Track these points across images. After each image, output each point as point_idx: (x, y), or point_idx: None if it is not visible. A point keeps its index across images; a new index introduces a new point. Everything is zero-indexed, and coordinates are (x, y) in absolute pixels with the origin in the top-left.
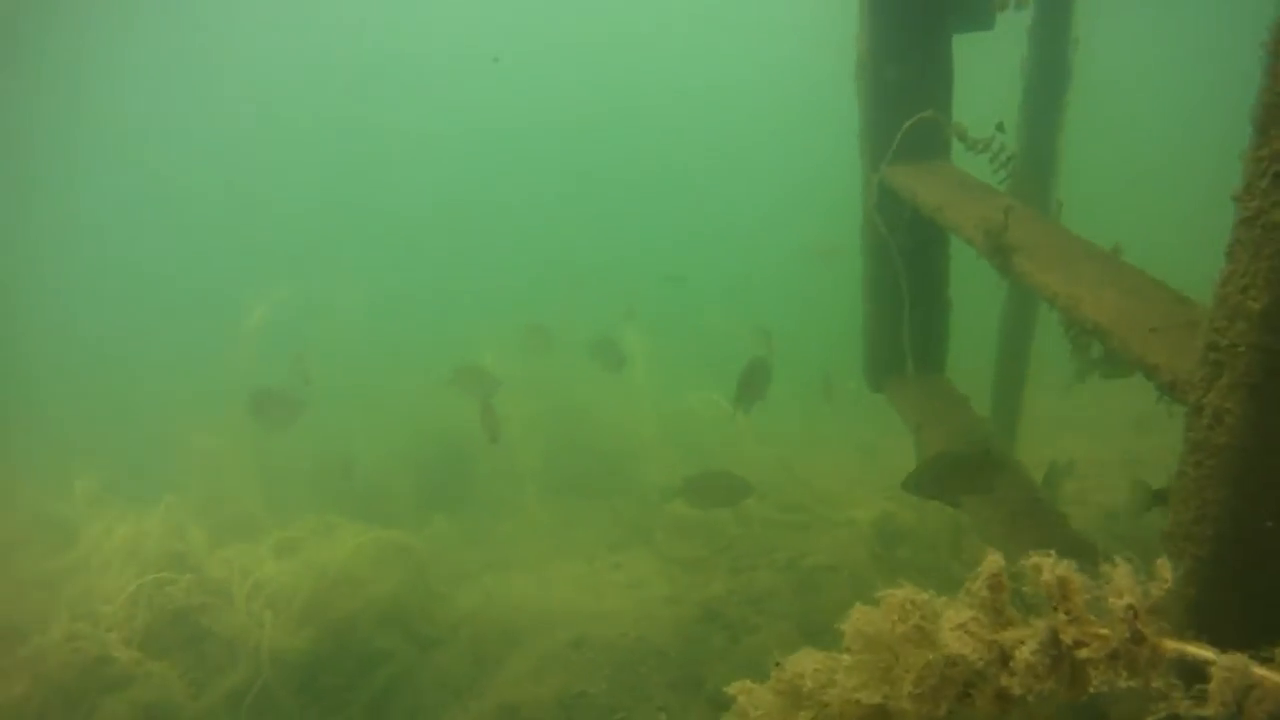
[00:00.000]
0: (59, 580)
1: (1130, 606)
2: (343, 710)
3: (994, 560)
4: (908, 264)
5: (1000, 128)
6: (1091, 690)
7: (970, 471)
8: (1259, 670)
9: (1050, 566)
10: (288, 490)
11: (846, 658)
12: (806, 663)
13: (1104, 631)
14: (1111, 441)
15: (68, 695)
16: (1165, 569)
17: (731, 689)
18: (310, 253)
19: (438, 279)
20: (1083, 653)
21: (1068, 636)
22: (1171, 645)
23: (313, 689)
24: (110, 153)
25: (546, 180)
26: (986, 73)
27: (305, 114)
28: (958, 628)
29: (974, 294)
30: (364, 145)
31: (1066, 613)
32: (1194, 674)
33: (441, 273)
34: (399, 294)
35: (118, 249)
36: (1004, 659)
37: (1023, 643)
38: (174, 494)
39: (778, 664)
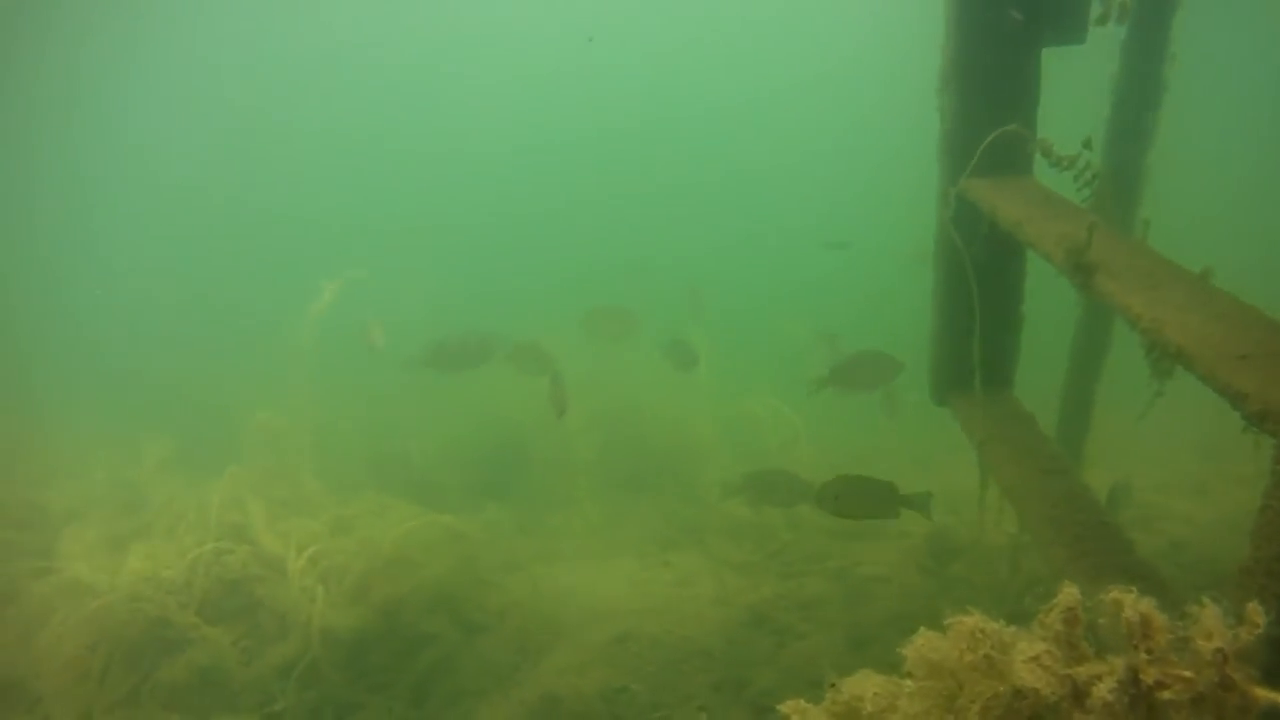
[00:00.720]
0: (126, 542)
1: (1220, 650)
2: (387, 689)
3: (1070, 593)
4: (981, 278)
5: (1087, 145)
6: None
7: (874, 499)
8: None
9: (1132, 603)
10: (345, 470)
11: (909, 683)
12: (866, 686)
13: (1188, 674)
14: (1179, 467)
15: (130, 651)
16: (1257, 613)
17: (784, 708)
18: (373, 247)
19: (500, 274)
20: (1164, 694)
21: (1148, 677)
22: (1263, 694)
23: (359, 666)
24: (177, 144)
25: (613, 181)
26: (1069, 87)
27: (364, 113)
28: (1030, 660)
29: (1047, 310)
30: (423, 141)
31: (1148, 652)
32: None
33: (504, 268)
34: (463, 287)
35: (187, 236)
36: (1078, 695)
37: (1100, 679)
38: (236, 467)
39: (833, 685)
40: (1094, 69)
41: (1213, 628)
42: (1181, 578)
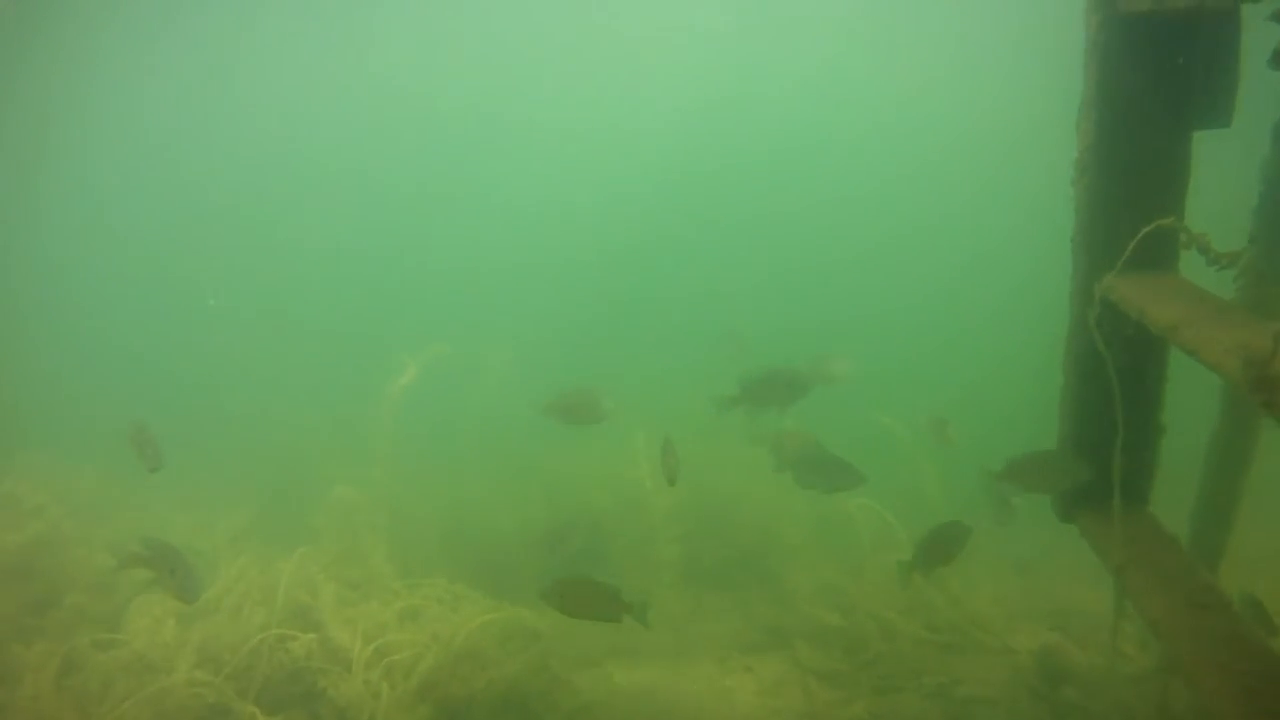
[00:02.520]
0: (191, 618)
1: None
2: None
3: None
4: (1122, 384)
5: (1254, 240)
6: None
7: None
8: None
9: None
10: (419, 551)
11: None
12: None
13: None
14: None
15: None
16: None
17: None
18: (460, 311)
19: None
20: None
21: None
22: None
23: None
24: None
25: (704, 249)
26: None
27: (441, 175)
28: None
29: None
30: (506, 201)
31: None
32: None
33: (589, 335)
34: (550, 356)
35: (273, 302)
36: None
37: None
38: (308, 547)
39: None
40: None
41: None
42: None
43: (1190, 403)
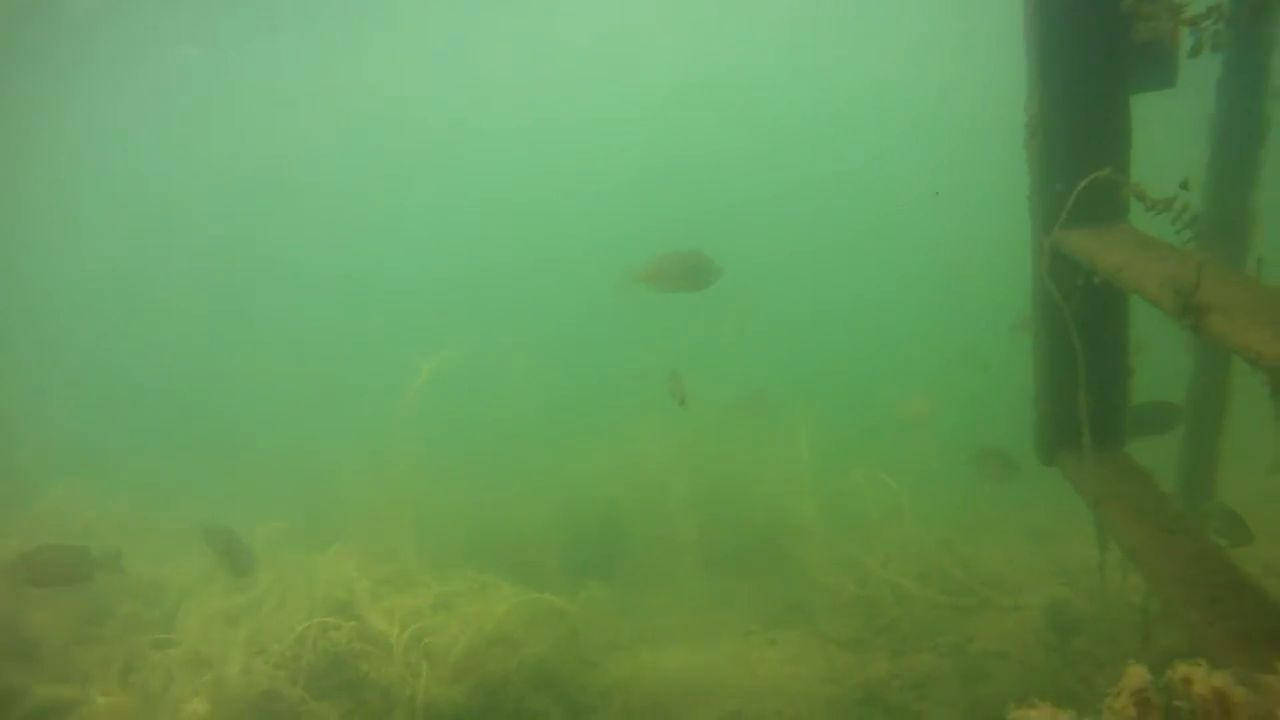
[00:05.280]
0: (239, 617)
1: None
2: None
3: (1137, 673)
4: (1083, 331)
5: (1185, 186)
6: None
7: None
8: None
9: (1203, 679)
10: (446, 547)
11: None
12: None
13: None
14: None
15: None
16: None
17: None
18: (472, 314)
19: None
20: None
21: None
22: None
23: None
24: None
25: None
26: (1165, 128)
27: (464, 185)
28: None
29: (1162, 362)
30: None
31: None
32: None
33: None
34: (561, 354)
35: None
36: None
37: None
38: (341, 545)
39: None
40: (1190, 111)
41: None
42: None
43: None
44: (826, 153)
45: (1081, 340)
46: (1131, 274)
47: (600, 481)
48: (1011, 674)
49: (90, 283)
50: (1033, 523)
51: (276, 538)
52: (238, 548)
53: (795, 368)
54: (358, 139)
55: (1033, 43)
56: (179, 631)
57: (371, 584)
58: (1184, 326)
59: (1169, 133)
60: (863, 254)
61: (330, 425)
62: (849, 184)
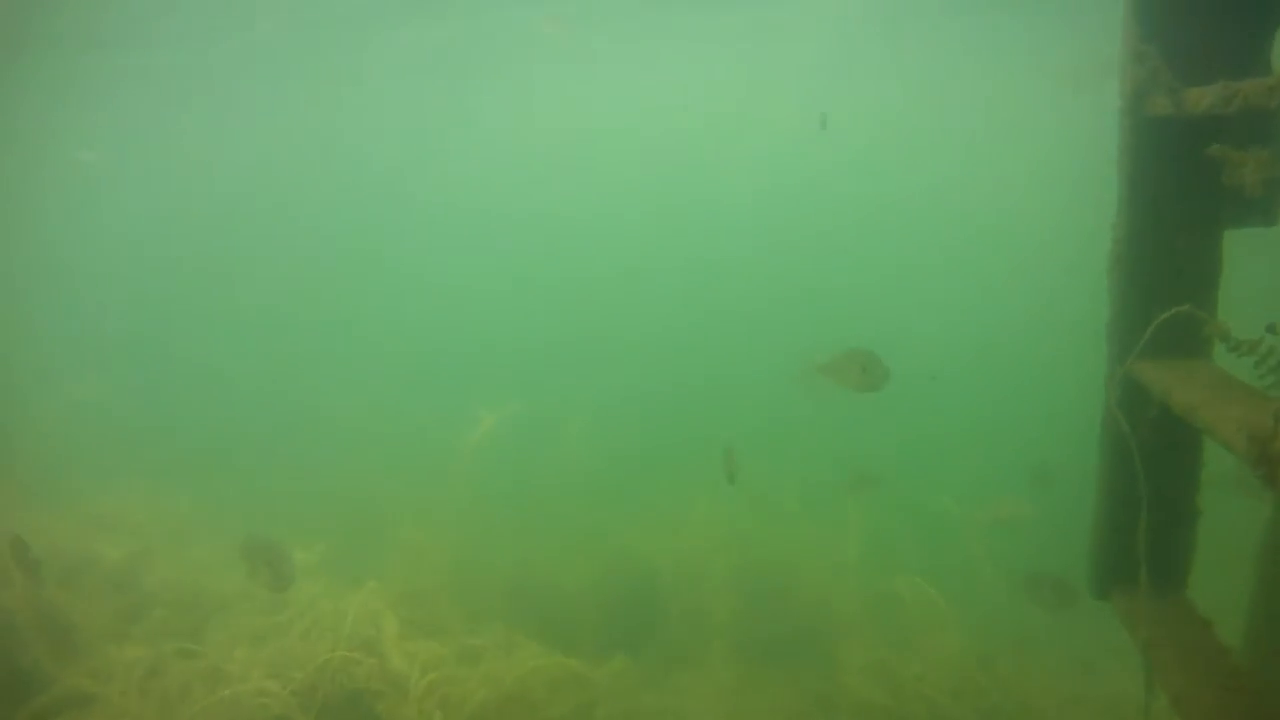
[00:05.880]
0: (266, 636)
1: None
2: None
3: None
4: (1150, 466)
5: (1272, 329)
6: None
7: None
8: None
9: None
10: (481, 596)
11: None
12: None
13: None
14: None
15: None
16: None
17: None
18: (543, 370)
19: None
20: None
21: None
22: None
23: None
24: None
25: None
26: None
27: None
28: None
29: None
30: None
31: None
32: None
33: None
34: (615, 418)
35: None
36: None
37: None
38: (376, 582)
39: None
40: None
41: None
42: None
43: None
44: (893, 244)
45: (1147, 475)
46: (1206, 414)
47: (644, 550)
48: None
49: (179, 289)
50: (1081, 652)
51: (315, 563)
52: (279, 560)
53: (858, 451)
54: (454, 185)
55: (1124, 168)
56: (206, 643)
57: (400, 624)
58: (1258, 476)
59: (1270, 268)
60: (942, 349)
61: (387, 460)
62: (920, 283)
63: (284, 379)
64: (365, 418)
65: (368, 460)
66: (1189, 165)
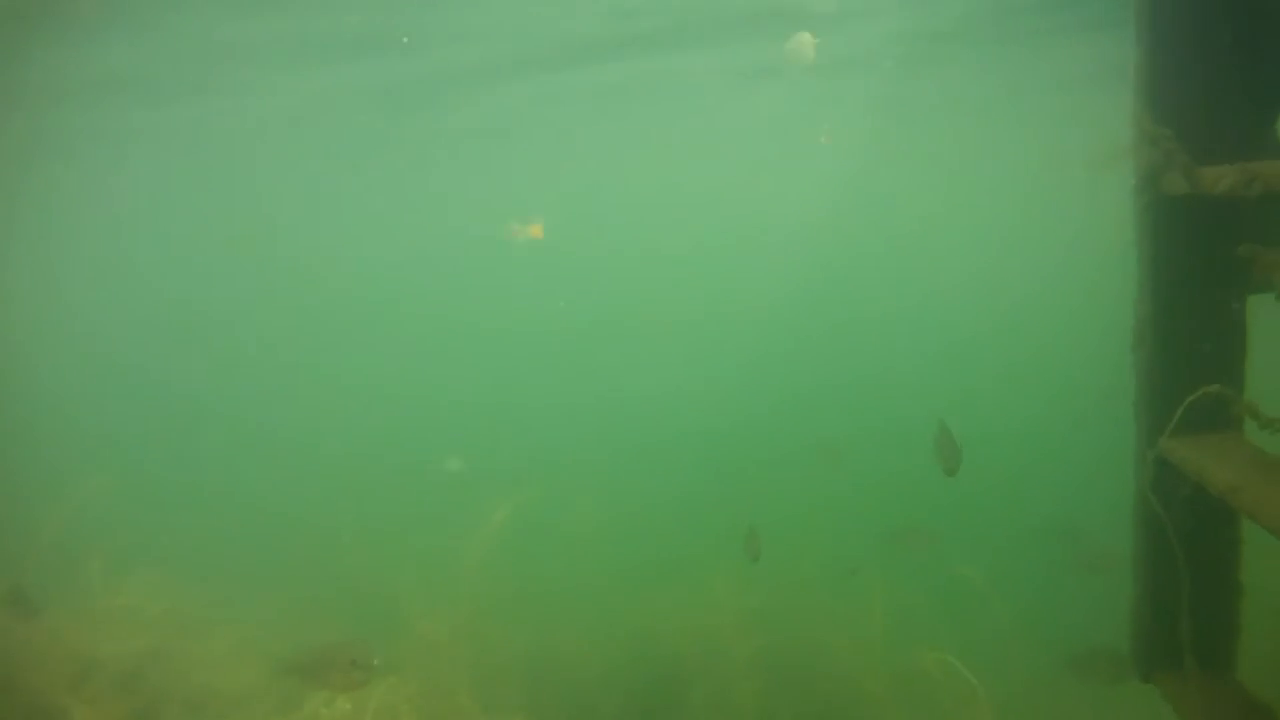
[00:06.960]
0: None
1: None
2: None
3: None
4: (1187, 545)
5: None
6: None
7: None
8: None
9: None
10: (503, 689)
11: None
12: None
13: None
14: None
15: None
16: None
17: None
18: (554, 454)
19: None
20: None
21: None
22: None
23: None
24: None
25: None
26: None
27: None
28: None
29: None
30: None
31: None
32: None
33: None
34: (645, 499)
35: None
36: None
37: None
38: (394, 676)
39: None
40: None
41: None
42: None
43: None
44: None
45: (1185, 555)
46: (1247, 498)
47: (665, 631)
48: None
49: (189, 373)
50: None
51: None
52: (364, 654)
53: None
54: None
55: (1143, 248)
56: None
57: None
58: None
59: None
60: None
61: (402, 550)
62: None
63: (294, 468)
64: (377, 504)
65: (380, 548)
66: (1207, 242)
